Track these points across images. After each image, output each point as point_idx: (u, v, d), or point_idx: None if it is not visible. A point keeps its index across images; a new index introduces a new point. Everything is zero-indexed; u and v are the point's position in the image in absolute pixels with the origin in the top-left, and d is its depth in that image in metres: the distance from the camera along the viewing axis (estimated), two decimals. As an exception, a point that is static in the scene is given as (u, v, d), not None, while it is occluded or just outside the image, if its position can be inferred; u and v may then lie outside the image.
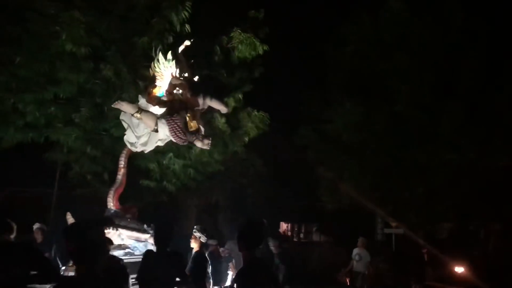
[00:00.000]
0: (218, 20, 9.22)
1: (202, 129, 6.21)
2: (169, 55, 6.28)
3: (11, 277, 3.34)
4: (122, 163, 6.58)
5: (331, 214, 14.70)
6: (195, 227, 5.91)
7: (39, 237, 7.49)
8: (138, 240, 6.01)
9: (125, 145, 6.65)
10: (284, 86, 13.45)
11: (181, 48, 6.41)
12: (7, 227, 3.86)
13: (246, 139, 9.77)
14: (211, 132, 9.31)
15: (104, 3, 8.09)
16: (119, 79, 7.90)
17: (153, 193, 9.57)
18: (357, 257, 9.70)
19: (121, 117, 6.43)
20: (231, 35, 9.30)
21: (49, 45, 7.84)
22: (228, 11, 9.21)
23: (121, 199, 6.48)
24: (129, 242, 5.94)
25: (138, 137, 6.31)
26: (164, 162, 9.04)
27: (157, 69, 6.28)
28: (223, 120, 9.26)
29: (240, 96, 9.48)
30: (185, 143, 6.31)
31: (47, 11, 7.62)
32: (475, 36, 11.43)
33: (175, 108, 6.06)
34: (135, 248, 5.88)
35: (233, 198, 14.54)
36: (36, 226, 7.57)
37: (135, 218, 6.34)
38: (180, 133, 5.92)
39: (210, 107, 6.46)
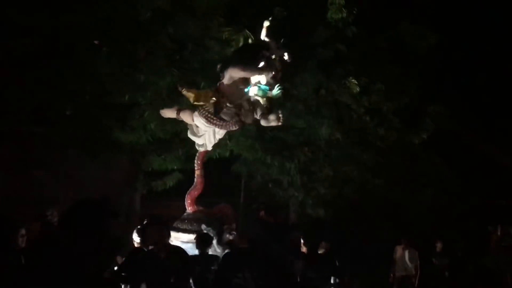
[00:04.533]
0: (383, 14, 8.82)
1: (246, 105, 5.54)
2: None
3: None
4: (195, 165, 6.39)
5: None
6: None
7: None
8: (185, 241, 5.78)
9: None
10: (465, 74, 12.09)
11: (263, 33, 5.79)
12: None
13: (425, 136, 9.14)
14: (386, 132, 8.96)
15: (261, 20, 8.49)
16: (296, 89, 8.18)
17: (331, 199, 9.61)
18: None
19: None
20: (398, 28, 8.83)
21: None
22: (392, 2, 8.73)
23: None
24: (175, 243, 5.72)
25: (201, 137, 6.04)
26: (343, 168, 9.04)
27: None
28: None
29: (414, 90, 8.92)
30: (235, 127, 5.59)
31: (221, 36, 8.32)
32: None
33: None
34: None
35: (410, 200, 13.68)
36: None
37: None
38: (214, 119, 5.41)
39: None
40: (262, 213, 8.59)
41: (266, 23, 5.75)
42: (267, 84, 5.55)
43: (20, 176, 9.06)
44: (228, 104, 5.47)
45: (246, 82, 5.57)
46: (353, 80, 7.93)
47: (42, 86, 7.88)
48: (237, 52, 6.08)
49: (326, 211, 9.52)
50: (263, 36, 5.73)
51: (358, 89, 8.00)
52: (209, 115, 5.46)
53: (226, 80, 5.52)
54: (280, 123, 5.74)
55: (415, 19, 8.58)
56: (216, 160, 9.76)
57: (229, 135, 8.94)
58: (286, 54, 5.63)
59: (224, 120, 5.47)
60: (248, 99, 5.62)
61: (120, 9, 7.31)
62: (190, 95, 5.72)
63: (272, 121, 5.58)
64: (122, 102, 7.91)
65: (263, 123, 5.69)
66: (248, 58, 5.56)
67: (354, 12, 7.98)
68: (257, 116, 5.64)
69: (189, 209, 6.18)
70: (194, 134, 6.07)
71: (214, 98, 5.49)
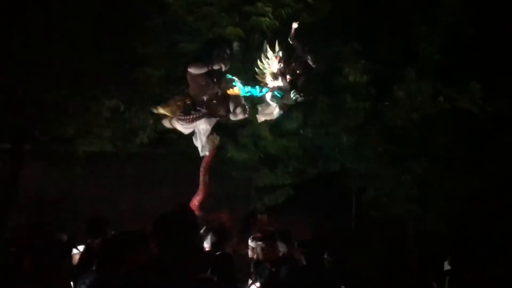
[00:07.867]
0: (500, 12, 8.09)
1: (216, 100, 5.88)
2: (277, 46, 5.87)
3: None
4: (200, 171, 6.40)
5: None
6: None
7: None
8: None
9: None
10: None
11: (291, 35, 5.90)
12: None
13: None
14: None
15: (378, 31, 8.29)
16: (411, 98, 7.85)
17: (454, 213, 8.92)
18: None
19: None
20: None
21: (334, 80, 8.53)
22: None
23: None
24: None
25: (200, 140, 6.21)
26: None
27: (264, 65, 5.93)
28: None
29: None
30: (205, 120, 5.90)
31: (330, 50, 8.28)
32: None
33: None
34: None
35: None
36: None
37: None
38: (189, 119, 5.78)
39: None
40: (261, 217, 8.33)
41: (295, 25, 5.93)
42: (283, 89, 5.81)
43: (146, 193, 9.85)
44: (197, 107, 5.90)
45: (207, 78, 5.85)
46: (476, 85, 7.37)
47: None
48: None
49: (447, 226, 8.86)
50: (290, 38, 5.91)
51: (480, 93, 7.41)
52: (182, 117, 5.84)
53: (189, 81, 5.92)
54: (246, 115, 6.02)
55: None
56: (326, 174, 9.67)
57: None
58: (309, 58, 5.83)
59: (196, 113, 5.85)
60: (218, 93, 5.93)
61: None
62: (166, 110, 6.05)
63: (239, 114, 5.86)
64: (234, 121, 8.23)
65: (231, 117, 5.97)
66: (199, 56, 6.10)
67: (469, 15, 7.49)
68: (231, 110, 5.93)
69: None
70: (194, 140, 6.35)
71: (179, 103, 5.92)
